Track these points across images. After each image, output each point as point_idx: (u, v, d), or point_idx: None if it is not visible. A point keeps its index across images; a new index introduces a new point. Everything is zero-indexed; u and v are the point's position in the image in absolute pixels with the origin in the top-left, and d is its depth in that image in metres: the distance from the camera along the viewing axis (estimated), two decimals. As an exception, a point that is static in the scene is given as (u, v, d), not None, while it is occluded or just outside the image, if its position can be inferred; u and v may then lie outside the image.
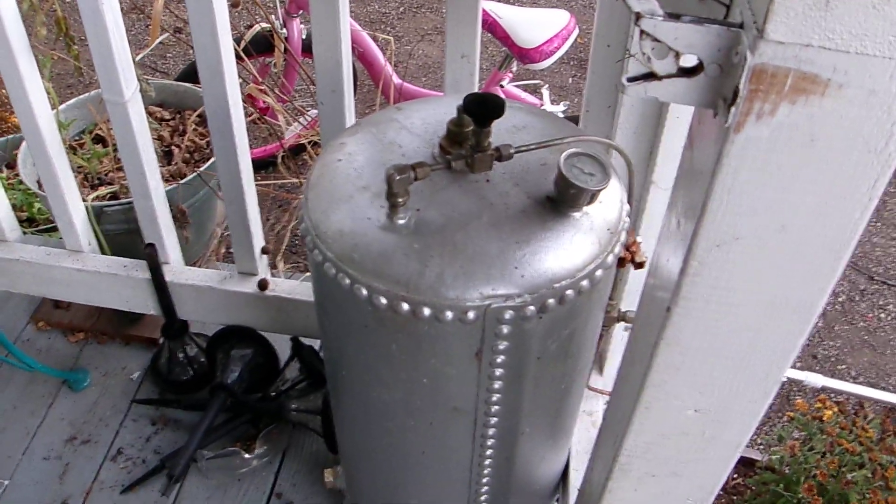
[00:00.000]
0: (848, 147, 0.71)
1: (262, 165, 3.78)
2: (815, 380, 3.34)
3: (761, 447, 2.90)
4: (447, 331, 1.22)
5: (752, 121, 0.70)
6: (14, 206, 2.47)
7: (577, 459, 1.93)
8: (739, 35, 0.69)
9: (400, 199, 1.20)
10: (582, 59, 5.08)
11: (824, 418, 2.16)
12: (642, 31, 0.70)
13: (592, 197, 1.24)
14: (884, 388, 3.33)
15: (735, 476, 2.39)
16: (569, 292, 1.22)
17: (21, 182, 2.85)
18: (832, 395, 2.72)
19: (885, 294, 3.81)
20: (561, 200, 1.25)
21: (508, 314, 1.19)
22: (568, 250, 1.22)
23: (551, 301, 1.21)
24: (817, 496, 1.99)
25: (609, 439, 1.16)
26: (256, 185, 2.13)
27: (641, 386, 0.98)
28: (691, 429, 1.03)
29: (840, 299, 3.75)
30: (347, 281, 1.22)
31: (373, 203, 1.25)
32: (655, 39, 0.70)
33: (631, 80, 0.74)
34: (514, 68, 3.79)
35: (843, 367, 3.49)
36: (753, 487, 2.27)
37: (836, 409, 2.19)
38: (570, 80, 4.98)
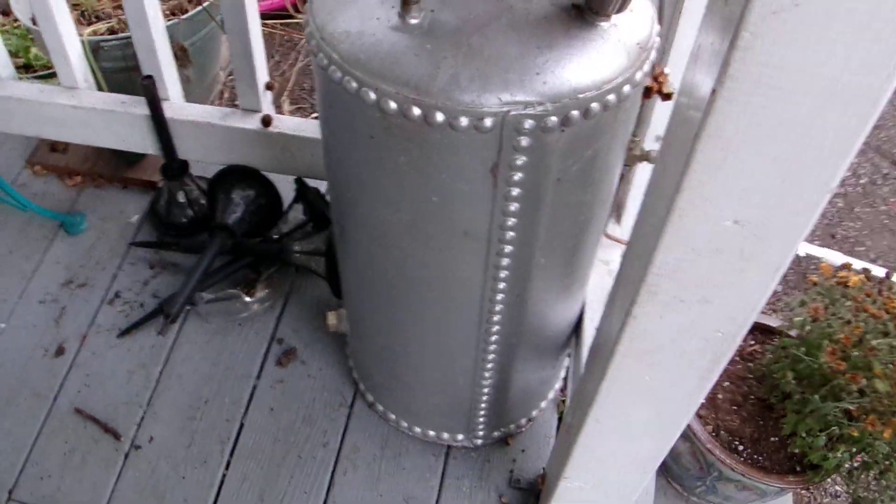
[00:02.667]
0: None
1: (274, 18, 3.66)
2: (834, 258, 3.29)
3: (780, 316, 2.83)
4: (461, 140, 1.13)
5: None
6: (10, 53, 2.37)
7: (591, 309, 1.86)
8: None
9: (413, -4, 1.10)
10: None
11: (849, 284, 2.08)
12: None
13: (623, 3, 1.14)
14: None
15: (752, 343, 2.32)
16: (594, 105, 1.12)
17: (17, 27, 2.75)
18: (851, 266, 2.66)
19: (908, 179, 3.74)
20: (588, 7, 1.14)
21: (528, 124, 1.10)
22: (594, 61, 1.12)
23: (575, 113, 1.11)
24: (839, 360, 1.92)
25: (635, 260, 1.08)
26: (262, 22, 2.02)
27: (676, 189, 0.88)
28: (727, 245, 0.94)
29: (862, 181, 3.67)
30: (354, 84, 1.13)
31: (383, 3, 1.16)
32: None
33: None
34: None
35: (863, 248, 3.43)
36: (772, 354, 2.20)
37: (862, 276, 2.10)
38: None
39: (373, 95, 1.11)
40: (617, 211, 2.04)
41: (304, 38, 2.84)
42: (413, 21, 1.12)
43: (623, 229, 2.04)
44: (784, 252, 0.94)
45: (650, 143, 1.74)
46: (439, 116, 1.09)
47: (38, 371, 2.18)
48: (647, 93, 1.29)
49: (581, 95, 1.10)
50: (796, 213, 0.89)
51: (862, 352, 1.95)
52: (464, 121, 1.08)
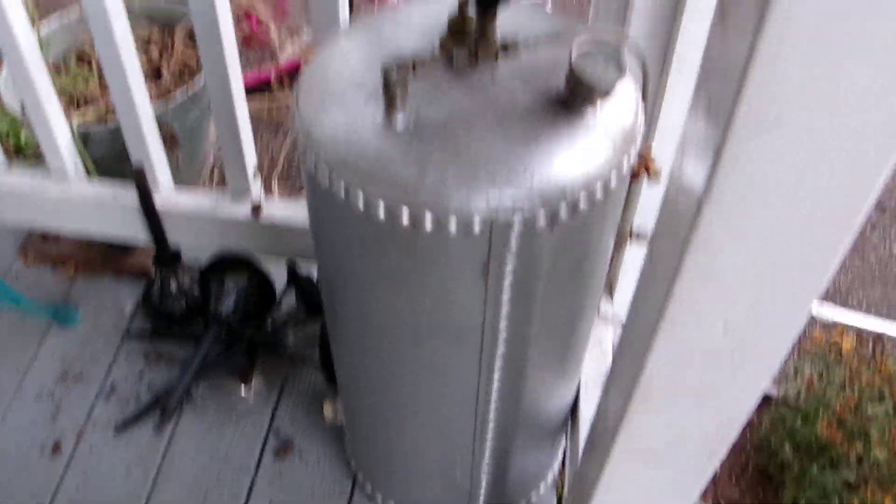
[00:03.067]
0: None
1: (260, 91, 3.68)
2: (828, 312, 3.27)
3: (775, 382, 2.82)
4: (451, 244, 1.12)
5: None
6: (0, 137, 2.37)
7: (587, 390, 1.85)
8: None
9: (398, 98, 1.09)
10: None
11: (843, 351, 2.08)
12: None
13: (607, 95, 1.13)
14: (896, 322, 3.26)
15: (749, 411, 2.30)
16: (582, 199, 1.12)
17: (6, 112, 2.76)
18: (845, 328, 2.65)
19: (897, 227, 3.73)
20: (573, 100, 1.14)
21: (517, 225, 1.09)
22: (580, 154, 1.12)
23: (563, 209, 1.11)
24: (836, 430, 1.91)
25: (628, 361, 1.07)
26: (249, 105, 2.02)
27: (666, 298, 0.88)
28: (719, 348, 0.93)
29: (851, 231, 3.65)
30: (343, 189, 1.12)
31: (368, 103, 1.15)
32: None
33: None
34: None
35: (855, 300, 3.42)
36: (769, 423, 2.19)
37: (854, 342, 2.10)
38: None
39: (361, 199, 1.11)
40: (608, 288, 2.03)
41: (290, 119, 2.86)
42: (399, 122, 1.11)
43: (616, 306, 2.03)
44: (775, 353, 0.94)
45: (641, 220, 1.74)
46: (429, 219, 1.08)
47: (35, 470, 2.14)
48: (635, 174, 1.29)
49: (569, 191, 1.10)
50: (786, 315, 0.88)
51: (859, 419, 1.94)
52: (453, 223, 1.08)
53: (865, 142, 0.69)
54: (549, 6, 3.57)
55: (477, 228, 1.09)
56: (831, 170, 0.72)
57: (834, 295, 3.38)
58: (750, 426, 2.27)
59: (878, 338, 2.19)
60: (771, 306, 0.86)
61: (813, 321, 2.57)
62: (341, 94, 1.18)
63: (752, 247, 0.80)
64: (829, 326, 2.52)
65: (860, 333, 2.09)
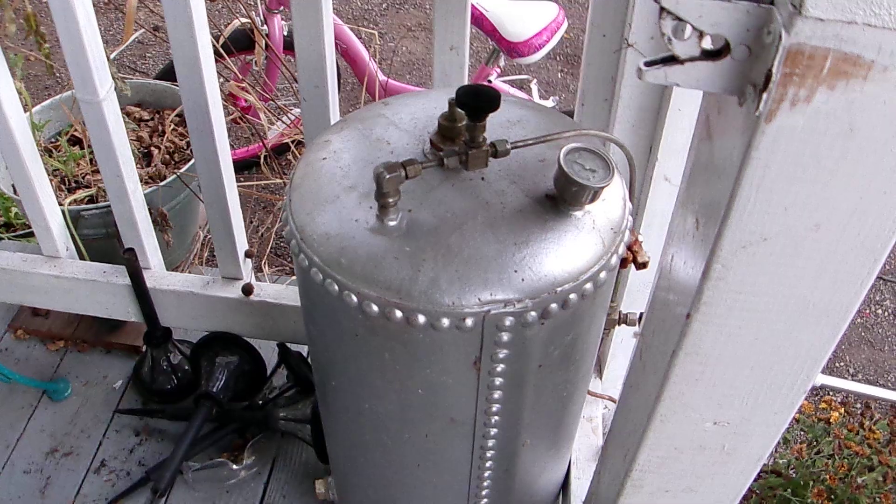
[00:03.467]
0: (891, 137, 0.64)
1: (245, 167, 3.71)
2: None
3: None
4: (443, 339, 1.15)
5: (785, 108, 0.63)
6: (-10, 212, 2.40)
7: (578, 467, 1.87)
8: (772, 12, 0.61)
9: (390, 200, 1.12)
10: (569, 55, 5.01)
11: (831, 420, 2.10)
12: (662, 9, 0.62)
13: (595, 194, 1.16)
14: (883, 385, 3.27)
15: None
16: (572, 296, 1.14)
17: (-4, 189, 2.78)
18: (831, 393, 2.67)
19: (882, 289, 3.76)
20: (562, 199, 1.17)
21: (508, 321, 1.12)
22: (570, 251, 1.15)
23: (553, 306, 1.13)
24: (827, 500, 1.93)
25: (619, 452, 1.09)
26: (239, 186, 2.05)
27: (657, 398, 0.90)
28: (709, 442, 0.96)
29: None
30: (335, 287, 1.15)
31: (361, 204, 1.18)
32: (677, 18, 0.63)
33: (649, 63, 0.67)
34: (502, 63, 3.72)
35: (842, 364, 3.43)
36: (758, 492, 2.21)
37: (842, 411, 2.12)
38: (559, 75, 4.91)
39: (355, 299, 1.13)
40: (598, 366, 2.05)
41: (279, 201, 2.88)
42: (391, 223, 1.14)
43: (605, 384, 2.05)
44: (765, 445, 0.97)
45: (627, 305, 1.77)
46: (421, 319, 1.11)
47: (25, 548, 2.14)
48: (623, 263, 1.32)
49: (559, 289, 1.13)
50: (775, 411, 0.91)
51: (848, 490, 1.95)
52: (445, 321, 1.10)
53: (849, 253, 0.73)
54: (535, 94, 3.62)
55: (469, 324, 1.11)
56: (816, 277, 0.75)
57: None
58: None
59: (867, 405, 2.21)
60: (761, 404, 0.89)
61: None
62: (334, 195, 1.20)
63: (740, 353, 0.83)
64: (817, 389, 2.54)
65: (847, 398, 2.11)
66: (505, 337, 1.14)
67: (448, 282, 1.10)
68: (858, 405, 2.27)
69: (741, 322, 0.80)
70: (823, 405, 2.16)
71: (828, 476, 1.96)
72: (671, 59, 0.66)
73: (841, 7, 0.57)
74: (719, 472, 1.01)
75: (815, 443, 2.09)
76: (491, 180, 1.20)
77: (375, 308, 1.12)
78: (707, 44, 0.66)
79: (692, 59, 0.66)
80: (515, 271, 1.11)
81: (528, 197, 1.19)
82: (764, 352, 0.83)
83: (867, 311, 3.63)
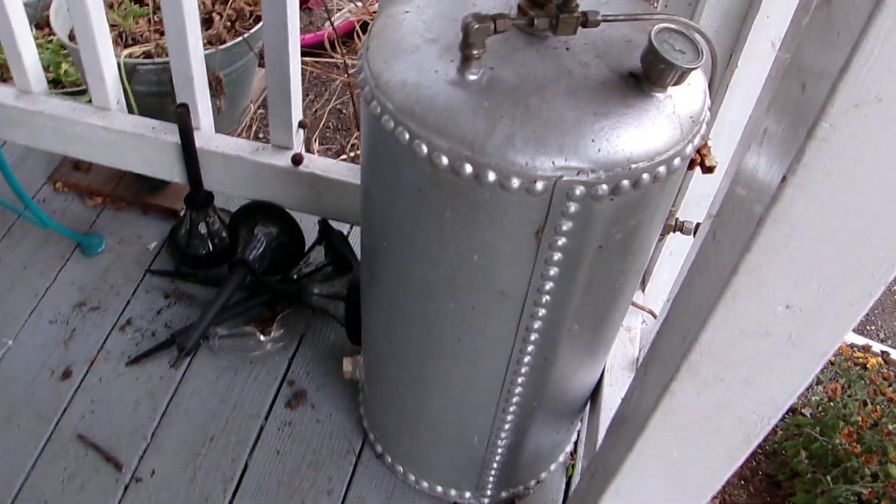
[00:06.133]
0: None
1: (305, 55, 3.66)
2: (846, 337, 3.27)
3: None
4: (510, 201, 1.12)
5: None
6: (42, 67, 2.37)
7: (612, 374, 1.85)
8: None
9: (475, 52, 1.09)
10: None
11: (868, 366, 2.07)
12: None
13: (681, 76, 1.13)
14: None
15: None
16: (645, 176, 1.12)
17: (50, 42, 2.76)
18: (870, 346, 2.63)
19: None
20: (646, 77, 1.13)
21: (579, 190, 1.09)
22: (648, 131, 1.12)
23: (626, 182, 1.10)
24: (855, 443, 1.91)
25: (676, 336, 1.06)
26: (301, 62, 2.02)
27: (732, 271, 0.87)
28: (777, 328, 0.93)
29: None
30: (406, 136, 1.12)
31: (441, 56, 1.15)
32: None
33: None
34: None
35: (873, 328, 3.41)
36: (784, 430, 2.19)
37: (880, 360, 2.10)
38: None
39: (425, 149, 1.10)
40: (642, 278, 2.03)
41: (338, 78, 2.85)
42: (472, 77, 1.11)
43: (647, 297, 2.03)
44: (833, 340, 0.94)
45: (684, 214, 1.74)
46: (491, 176, 1.08)
47: (43, 392, 2.15)
48: (690, 165, 1.29)
49: (633, 166, 1.10)
50: (851, 302, 0.88)
51: (878, 435, 1.93)
52: (515, 182, 1.08)
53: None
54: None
55: (539, 188, 1.08)
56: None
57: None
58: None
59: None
60: (838, 290, 0.86)
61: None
62: (414, 46, 1.17)
63: (829, 227, 0.80)
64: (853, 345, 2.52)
65: (886, 353, 2.08)
66: (573, 207, 1.11)
67: (524, 141, 1.07)
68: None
69: (837, 192, 0.76)
70: (859, 355, 2.14)
71: (859, 418, 1.94)
72: None
73: None
74: (779, 364, 0.98)
75: (848, 386, 2.07)
76: (576, 51, 1.17)
77: (445, 160, 1.10)
78: None
79: None
80: (593, 140, 1.08)
81: (611, 72, 1.15)
82: (853, 228, 0.80)
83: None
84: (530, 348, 1.39)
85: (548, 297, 1.28)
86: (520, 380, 1.48)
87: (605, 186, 1.10)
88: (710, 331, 0.95)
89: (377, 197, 1.34)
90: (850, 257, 0.83)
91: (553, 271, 1.22)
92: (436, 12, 1.23)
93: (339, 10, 3.12)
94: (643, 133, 1.11)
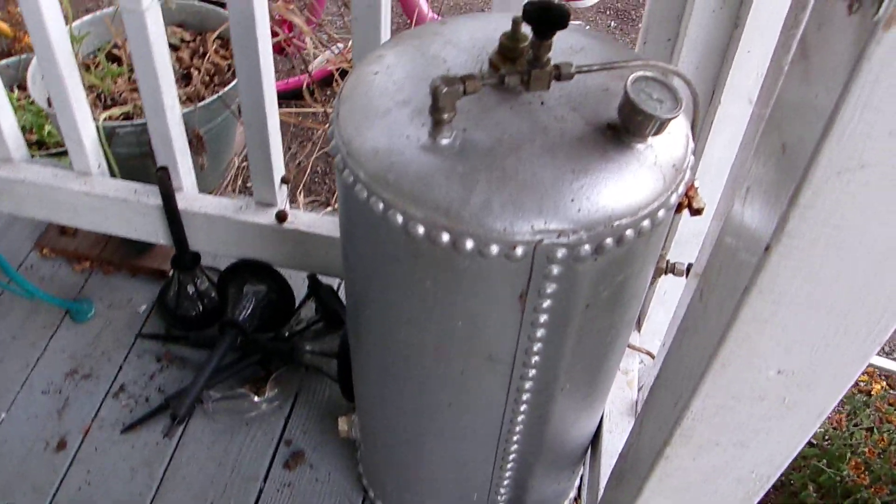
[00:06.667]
0: None
1: (287, 99, 3.65)
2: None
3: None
4: (490, 268, 1.08)
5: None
6: (24, 129, 2.35)
7: (611, 420, 1.82)
8: None
9: (445, 115, 1.06)
10: (620, 9, 4.92)
11: (872, 392, 2.04)
12: None
13: (661, 126, 1.10)
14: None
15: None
16: (628, 232, 1.08)
17: (31, 103, 2.74)
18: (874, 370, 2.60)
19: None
20: (625, 129, 1.10)
21: (561, 252, 1.06)
22: (630, 185, 1.08)
23: (609, 241, 1.07)
24: (863, 474, 1.87)
25: (668, 400, 1.03)
26: (279, 112, 1.99)
27: (720, 340, 0.84)
28: (770, 393, 0.90)
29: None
30: (381, 205, 1.09)
31: (413, 120, 1.11)
32: None
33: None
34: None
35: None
36: (791, 461, 2.15)
37: (884, 384, 2.06)
38: (610, 26, 4.82)
39: (400, 219, 1.07)
40: (637, 319, 2.00)
41: (320, 129, 2.83)
42: (444, 141, 1.08)
43: (643, 337, 2.00)
44: (830, 399, 0.91)
45: (676, 254, 1.71)
46: (469, 243, 1.05)
47: (39, 464, 2.12)
48: (678, 208, 1.26)
49: (616, 223, 1.06)
50: (846, 363, 0.85)
51: (886, 464, 1.90)
52: (494, 249, 1.04)
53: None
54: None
55: (519, 253, 1.05)
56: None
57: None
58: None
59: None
60: (831, 353, 0.83)
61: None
62: (385, 110, 1.14)
63: (818, 294, 0.77)
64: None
65: (889, 376, 2.05)
66: (555, 270, 1.08)
67: (501, 205, 1.03)
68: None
69: (824, 258, 0.73)
70: (864, 378, 2.11)
71: (866, 449, 1.91)
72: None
73: None
74: (776, 426, 0.95)
75: (853, 414, 2.03)
76: (551, 106, 1.14)
77: (421, 230, 1.06)
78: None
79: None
80: (572, 200, 1.05)
81: (588, 125, 1.12)
82: (843, 294, 0.77)
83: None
84: (523, 408, 1.36)
85: (537, 359, 1.24)
86: (515, 437, 1.45)
87: (587, 247, 1.06)
88: (701, 398, 0.92)
89: (356, 264, 1.31)
90: (843, 322, 0.80)
91: (540, 333, 1.19)
92: (405, 72, 1.19)
93: (317, 56, 3.10)
94: (624, 187, 1.08)
